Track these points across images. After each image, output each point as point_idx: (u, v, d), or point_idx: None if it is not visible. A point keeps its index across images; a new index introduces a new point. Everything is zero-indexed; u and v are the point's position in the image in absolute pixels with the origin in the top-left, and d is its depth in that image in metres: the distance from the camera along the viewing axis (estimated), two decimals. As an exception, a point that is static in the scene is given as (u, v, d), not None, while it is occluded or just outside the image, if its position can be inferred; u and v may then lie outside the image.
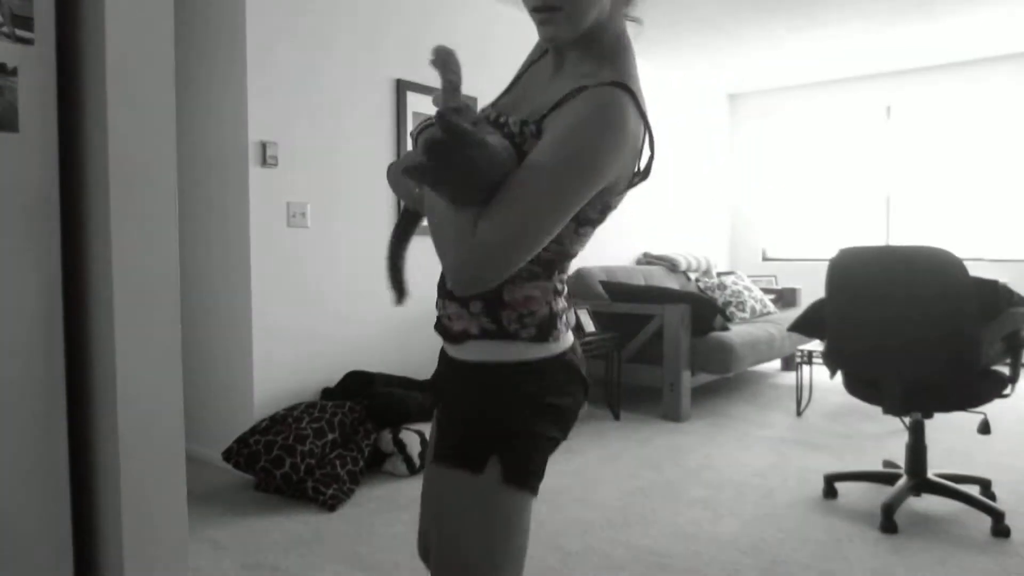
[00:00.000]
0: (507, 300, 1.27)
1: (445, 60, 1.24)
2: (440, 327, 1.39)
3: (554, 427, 1.31)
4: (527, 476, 1.28)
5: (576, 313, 5.11)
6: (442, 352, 1.43)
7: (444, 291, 1.35)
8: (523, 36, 5.57)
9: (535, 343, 1.29)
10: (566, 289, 1.38)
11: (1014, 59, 7.02)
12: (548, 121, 1.19)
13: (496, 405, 1.29)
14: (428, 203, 1.21)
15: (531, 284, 1.28)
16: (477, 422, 1.29)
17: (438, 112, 1.09)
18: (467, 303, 1.29)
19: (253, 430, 3.58)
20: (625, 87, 1.17)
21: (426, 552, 1.50)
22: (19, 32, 1.92)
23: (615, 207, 1.29)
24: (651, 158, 1.27)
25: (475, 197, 1.11)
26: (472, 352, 1.31)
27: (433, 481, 1.38)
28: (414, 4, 4.66)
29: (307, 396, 4.10)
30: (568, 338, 1.35)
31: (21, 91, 1.93)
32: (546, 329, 1.29)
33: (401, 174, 1.30)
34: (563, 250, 1.29)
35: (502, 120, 1.28)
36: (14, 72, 1.92)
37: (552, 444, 1.33)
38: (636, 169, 1.25)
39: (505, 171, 1.12)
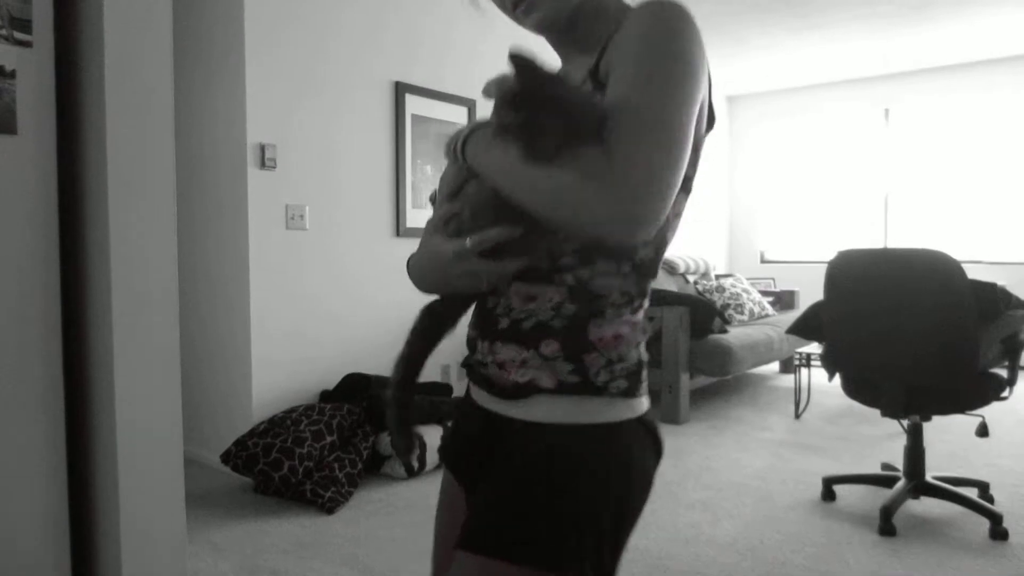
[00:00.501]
0: (594, 339, 1.01)
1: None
2: (481, 378, 1.11)
3: (639, 505, 1.06)
4: (602, 570, 1.01)
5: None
6: (471, 403, 1.16)
7: (488, 330, 1.08)
8: (522, 39, 5.58)
9: (624, 399, 1.03)
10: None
11: (1012, 62, 7.03)
12: (607, 62, 0.99)
13: (591, 487, 0.99)
14: (511, 179, 0.95)
15: (621, 319, 1.03)
16: (546, 508, 0.98)
17: (511, 54, 0.90)
18: (536, 343, 1.02)
19: (251, 432, 3.57)
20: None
21: None
22: (17, 35, 1.92)
23: (699, 160, 1.07)
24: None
25: (584, 141, 0.90)
26: (542, 411, 1.02)
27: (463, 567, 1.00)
28: (412, 7, 4.67)
29: (306, 398, 4.09)
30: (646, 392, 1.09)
31: (19, 94, 1.93)
32: (635, 380, 1.04)
33: (477, 156, 1.00)
34: (662, 238, 1.06)
35: None
36: (12, 75, 1.92)
37: (632, 526, 1.06)
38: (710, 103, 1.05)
39: (599, 112, 0.92)
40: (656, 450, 1.09)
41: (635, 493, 1.03)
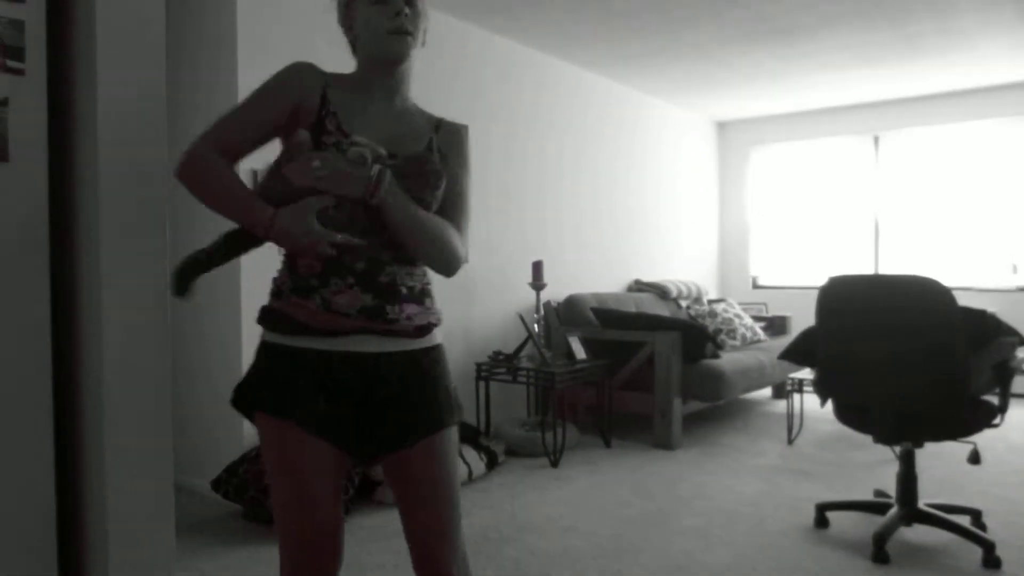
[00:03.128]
0: (432, 294, 1.71)
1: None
2: (385, 330, 1.58)
3: None
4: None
5: (568, 339, 5.11)
6: (357, 357, 1.58)
7: (394, 295, 1.59)
8: (512, 62, 5.61)
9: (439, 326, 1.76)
10: None
11: (1002, 91, 7.10)
12: (445, 144, 1.73)
13: (448, 373, 1.72)
14: (425, 218, 1.58)
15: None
16: (451, 388, 1.71)
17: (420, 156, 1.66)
18: (424, 300, 1.66)
19: (242, 459, 3.55)
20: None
21: None
22: (10, 63, 1.93)
23: None
24: None
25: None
26: (436, 338, 1.69)
27: (434, 448, 1.64)
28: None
29: (297, 424, 4.07)
30: None
31: (11, 121, 1.94)
32: None
33: (399, 205, 1.56)
34: None
35: (396, 156, 1.61)
36: (4, 102, 1.92)
37: None
38: None
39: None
40: None
41: None
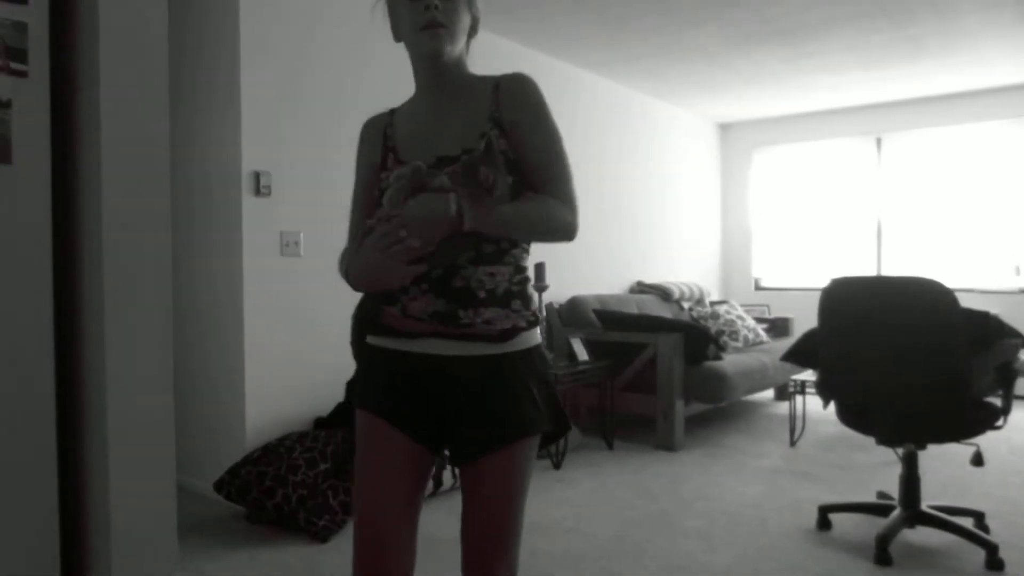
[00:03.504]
0: (530, 295, 1.63)
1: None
2: (459, 334, 1.55)
3: None
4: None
5: (570, 341, 5.11)
6: (434, 359, 1.57)
7: (469, 299, 1.54)
8: (513, 64, 5.61)
9: (537, 327, 1.66)
10: None
11: (1004, 93, 7.09)
12: (510, 121, 1.58)
13: (550, 378, 1.66)
14: (519, 214, 1.50)
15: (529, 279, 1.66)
16: (552, 395, 1.64)
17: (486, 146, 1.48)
18: (509, 302, 1.57)
19: (245, 460, 3.56)
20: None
21: None
22: (13, 65, 1.93)
23: None
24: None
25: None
26: (527, 340, 1.61)
27: (507, 457, 1.57)
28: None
29: (299, 426, 4.08)
30: None
31: (15, 123, 1.94)
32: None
33: (505, 214, 1.48)
34: None
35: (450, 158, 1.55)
36: (8, 104, 1.92)
37: None
38: None
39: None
40: None
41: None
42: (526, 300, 1.60)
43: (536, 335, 1.63)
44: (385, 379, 1.61)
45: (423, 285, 1.54)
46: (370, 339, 1.65)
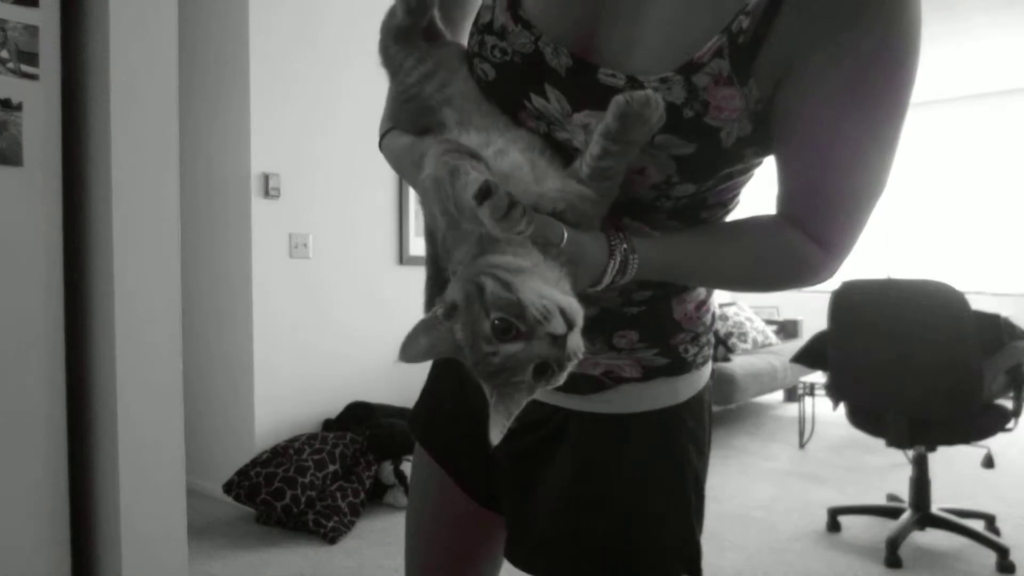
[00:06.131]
0: (678, 318, 0.92)
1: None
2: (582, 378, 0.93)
3: None
4: None
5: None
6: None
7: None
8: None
9: (707, 366, 0.97)
10: None
11: (1014, 94, 7.06)
12: (786, 55, 0.72)
13: (687, 460, 0.95)
14: (676, 273, 0.84)
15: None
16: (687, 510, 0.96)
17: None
18: (611, 336, 0.91)
19: (254, 462, 3.56)
20: None
21: None
22: (24, 68, 1.94)
23: None
24: None
25: None
26: (621, 401, 0.93)
27: None
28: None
29: (308, 428, 4.08)
30: None
31: (26, 126, 1.95)
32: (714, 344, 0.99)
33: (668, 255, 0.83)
34: None
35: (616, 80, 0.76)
36: (19, 107, 1.93)
37: None
38: None
39: None
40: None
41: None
42: (655, 331, 0.93)
43: (675, 389, 0.95)
44: (447, 405, 1.12)
45: None
46: None
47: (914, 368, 3.04)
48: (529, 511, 0.99)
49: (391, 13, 0.95)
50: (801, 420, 5.27)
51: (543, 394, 0.81)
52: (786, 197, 0.84)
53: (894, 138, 0.78)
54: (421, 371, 1.17)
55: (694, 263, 0.83)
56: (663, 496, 0.93)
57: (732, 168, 0.82)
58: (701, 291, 0.94)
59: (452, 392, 1.09)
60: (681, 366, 0.92)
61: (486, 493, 1.08)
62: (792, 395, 7.04)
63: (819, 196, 0.81)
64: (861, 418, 3.35)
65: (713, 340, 0.97)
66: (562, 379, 0.69)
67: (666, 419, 0.93)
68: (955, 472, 4.50)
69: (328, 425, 4.09)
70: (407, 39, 0.94)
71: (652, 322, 0.89)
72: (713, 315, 0.99)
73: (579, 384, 0.89)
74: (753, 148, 0.80)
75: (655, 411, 0.93)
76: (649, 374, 0.91)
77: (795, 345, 6.42)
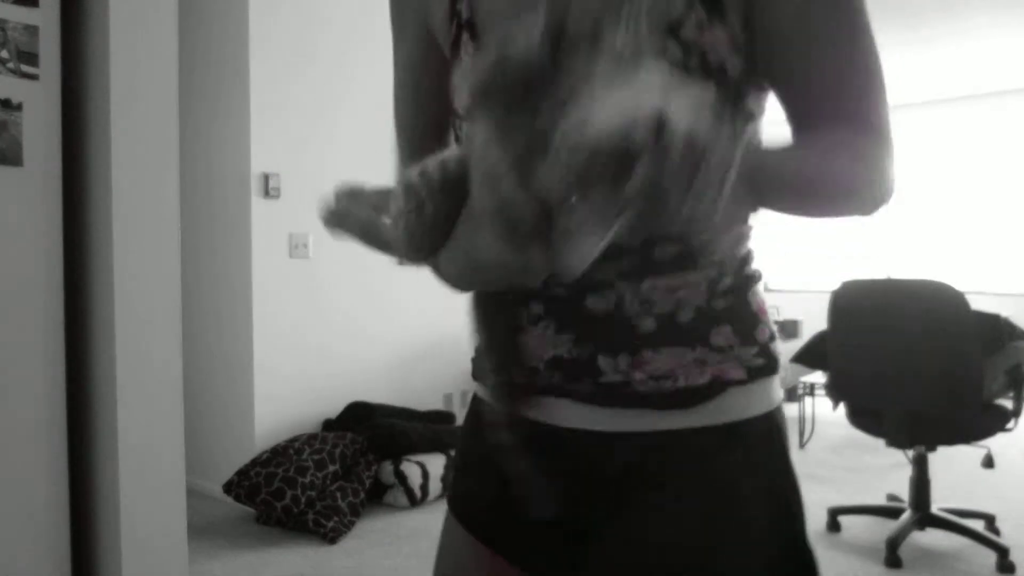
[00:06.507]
0: (757, 311, 0.84)
1: None
2: (598, 395, 0.80)
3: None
4: None
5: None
6: (551, 433, 0.84)
7: (621, 334, 0.79)
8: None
9: (775, 375, 0.84)
10: None
11: (1016, 94, 7.06)
12: None
13: (792, 485, 0.86)
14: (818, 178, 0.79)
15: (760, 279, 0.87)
16: (785, 535, 0.84)
17: None
18: (708, 335, 0.79)
19: (254, 462, 3.56)
20: None
21: None
22: (24, 68, 1.94)
23: None
24: None
25: None
26: (730, 408, 0.79)
27: None
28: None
29: (308, 428, 4.08)
30: None
31: (26, 126, 1.95)
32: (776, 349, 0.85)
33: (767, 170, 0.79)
34: None
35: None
36: (19, 107, 1.93)
37: None
38: None
39: None
40: None
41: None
42: (745, 325, 0.81)
43: (770, 393, 0.83)
44: (472, 460, 0.97)
45: (535, 308, 0.82)
46: (477, 388, 0.97)
47: (914, 368, 3.04)
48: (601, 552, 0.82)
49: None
50: (801, 420, 5.27)
51: (646, 418, 0.77)
52: (806, 114, 0.80)
53: (864, 9, 0.75)
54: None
55: (811, 169, 0.78)
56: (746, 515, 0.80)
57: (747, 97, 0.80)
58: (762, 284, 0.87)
59: (483, 463, 0.91)
60: (775, 366, 0.83)
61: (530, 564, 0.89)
62: (792, 395, 7.03)
63: (835, 88, 0.77)
64: (861, 418, 3.35)
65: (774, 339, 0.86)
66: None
67: (765, 429, 0.83)
68: (955, 472, 4.50)
69: (328, 425, 4.09)
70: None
71: (740, 315, 0.81)
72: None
73: (684, 396, 0.78)
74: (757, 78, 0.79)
75: (760, 416, 0.81)
76: (752, 375, 0.80)
77: (795, 345, 6.41)
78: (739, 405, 0.79)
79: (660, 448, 0.79)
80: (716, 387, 0.78)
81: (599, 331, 0.79)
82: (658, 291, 0.77)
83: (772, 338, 0.83)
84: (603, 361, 0.79)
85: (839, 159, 0.77)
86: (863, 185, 0.81)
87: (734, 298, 0.81)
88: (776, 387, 0.84)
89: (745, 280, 0.84)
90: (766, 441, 0.82)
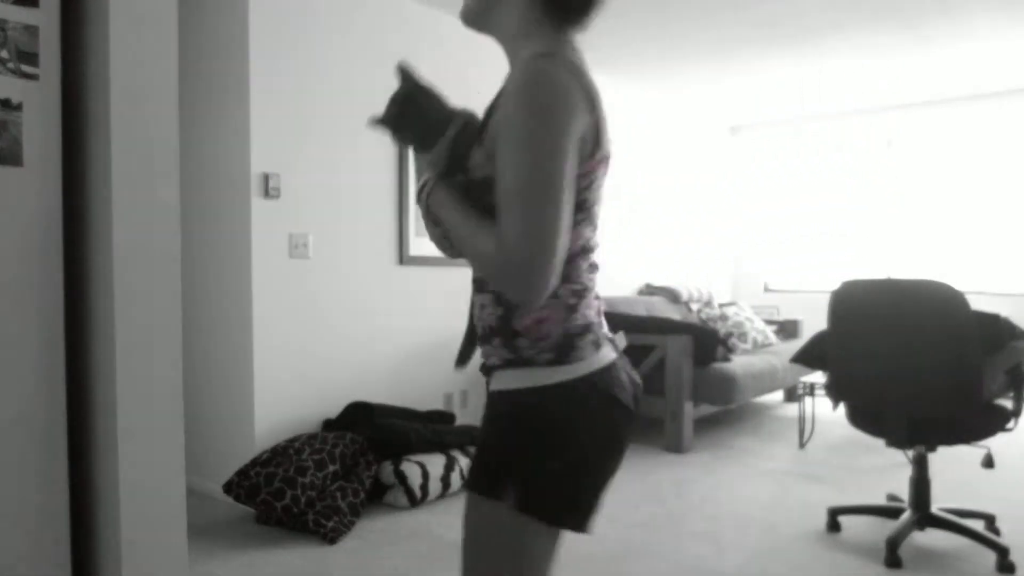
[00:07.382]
0: (518, 328, 1.31)
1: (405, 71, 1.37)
2: (483, 366, 1.43)
3: (581, 453, 1.30)
4: (544, 505, 1.28)
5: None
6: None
7: (481, 331, 1.38)
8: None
9: (554, 367, 1.29)
10: (586, 301, 1.34)
11: (1016, 95, 7.06)
12: (495, 122, 1.26)
13: (513, 431, 1.32)
14: (458, 236, 1.29)
15: (541, 308, 1.29)
16: (495, 448, 1.35)
17: (399, 65, 1.36)
18: (490, 339, 1.35)
19: (254, 462, 3.56)
20: (544, 55, 1.24)
21: None
22: (24, 68, 1.94)
23: (596, 181, 1.30)
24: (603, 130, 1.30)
25: (431, 143, 1.34)
26: (498, 381, 1.35)
27: (465, 506, 1.38)
28: (416, 36, 4.71)
29: (308, 427, 4.08)
30: (601, 357, 1.33)
31: (25, 126, 1.95)
32: (565, 351, 1.30)
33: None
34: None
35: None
36: (19, 107, 1.93)
37: (585, 471, 1.31)
38: (598, 132, 1.27)
39: (450, 121, 1.34)
40: (611, 402, 1.32)
41: (568, 440, 1.28)
42: (510, 336, 1.32)
43: (524, 377, 1.31)
44: None
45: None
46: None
47: (914, 368, 3.04)
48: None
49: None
50: (801, 420, 5.27)
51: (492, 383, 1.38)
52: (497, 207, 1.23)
53: (528, 146, 1.19)
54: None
55: (462, 215, 1.28)
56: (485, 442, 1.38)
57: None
58: (539, 312, 1.29)
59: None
60: (521, 361, 1.31)
61: None
62: (792, 395, 7.04)
63: (499, 202, 1.21)
64: (861, 418, 3.35)
65: (560, 348, 1.29)
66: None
67: (509, 398, 1.33)
68: (955, 472, 4.50)
69: (328, 425, 4.09)
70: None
71: (505, 331, 1.32)
72: (562, 331, 1.29)
73: (487, 370, 1.39)
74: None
75: (506, 391, 1.33)
76: (506, 364, 1.33)
77: (795, 345, 6.42)
78: (500, 380, 1.34)
79: (488, 400, 1.39)
80: (493, 368, 1.36)
81: (474, 328, 1.42)
82: (480, 306, 1.36)
83: (535, 345, 1.30)
84: (479, 344, 1.40)
85: (476, 238, 1.24)
86: (476, 259, 1.28)
87: (503, 322, 1.32)
88: (529, 374, 1.30)
89: (510, 309, 1.31)
90: (500, 406, 1.35)
